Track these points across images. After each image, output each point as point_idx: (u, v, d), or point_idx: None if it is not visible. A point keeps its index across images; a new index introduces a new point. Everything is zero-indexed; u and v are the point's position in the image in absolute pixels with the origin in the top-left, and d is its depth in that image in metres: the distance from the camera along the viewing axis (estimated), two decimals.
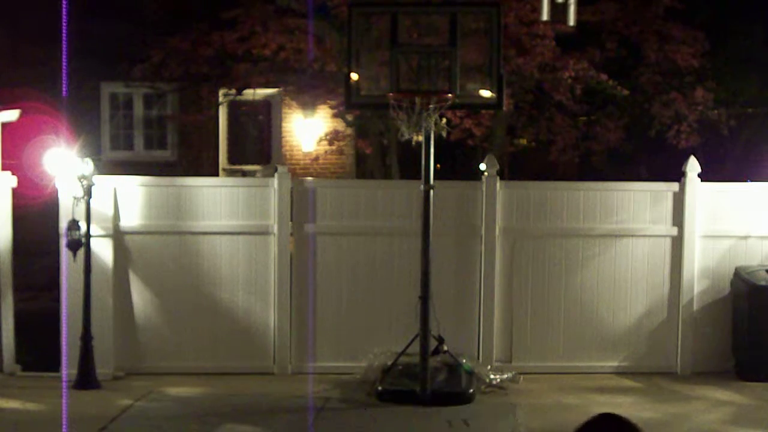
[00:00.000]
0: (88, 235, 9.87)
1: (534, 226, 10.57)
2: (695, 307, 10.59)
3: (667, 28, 14.84)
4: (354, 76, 9.63)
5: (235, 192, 10.49)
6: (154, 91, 17.49)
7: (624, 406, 9.27)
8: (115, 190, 10.30)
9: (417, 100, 9.26)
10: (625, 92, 14.56)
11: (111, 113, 18.37)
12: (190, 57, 14.94)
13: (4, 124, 10.54)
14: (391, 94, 9.30)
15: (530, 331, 10.61)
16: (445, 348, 9.85)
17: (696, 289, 10.58)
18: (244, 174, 18.00)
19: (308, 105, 17.40)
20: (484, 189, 10.45)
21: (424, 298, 9.47)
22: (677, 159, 11.33)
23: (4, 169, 10.47)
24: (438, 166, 10.21)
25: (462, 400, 9.42)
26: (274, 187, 10.40)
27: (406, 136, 9.45)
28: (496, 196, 10.46)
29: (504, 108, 10.58)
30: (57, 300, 10.33)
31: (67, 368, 9.98)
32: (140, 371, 10.30)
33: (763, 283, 10.14)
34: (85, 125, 14.79)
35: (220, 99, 17.17)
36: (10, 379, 10.18)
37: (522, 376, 10.24)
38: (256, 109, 18.70)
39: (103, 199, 10.15)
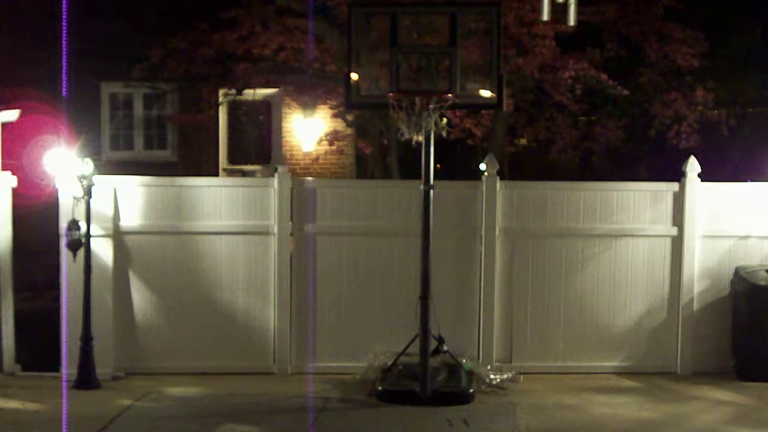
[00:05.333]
0: (88, 235, 9.88)
1: (534, 226, 10.57)
2: (695, 307, 10.59)
3: (667, 29, 14.85)
4: (354, 76, 9.64)
5: (235, 192, 10.49)
6: (154, 91, 17.49)
7: (624, 406, 9.24)
8: (115, 190, 10.30)
9: (417, 100, 9.27)
10: (625, 92, 14.57)
11: (111, 113, 18.36)
12: (190, 57, 14.95)
13: (4, 124, 10.54)
14: (391, 94, 9.31)
15: (530, 331, 10.61)
16: (445, 348, 9.86)
17: (696, 289, 10.59)
18: (244, 174, 18.00)
19: (308, 105, 17.41)
20: (484, 189, 10.46)
21: (424, 298, 9.48)
22: (677, 159, 11.32)
23: (4, 169, 10.47)
24: (438, 166, 10.21)
25: (462, 400, 9.43)
26: (274, 187, 10.41)
27: (406, 136, 9.46)
28: (496, 196, 10.46)
29: (504, 108, 10.57)
30: (57, 300, 10.33)
31: (67, 368, 9.99)
32: (140, 371, 10.30)
33: (763, 283, 10.14)
34: (85, 125, 14.77)
35: (220, 99, 17.15)
36: (10, 379, 10.18)
37: (522, 376, 10.25)
38: (256, 109, 18.69)
39: (103, 199, 10.15)
